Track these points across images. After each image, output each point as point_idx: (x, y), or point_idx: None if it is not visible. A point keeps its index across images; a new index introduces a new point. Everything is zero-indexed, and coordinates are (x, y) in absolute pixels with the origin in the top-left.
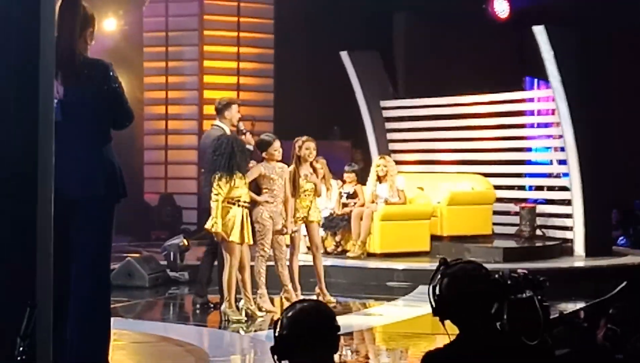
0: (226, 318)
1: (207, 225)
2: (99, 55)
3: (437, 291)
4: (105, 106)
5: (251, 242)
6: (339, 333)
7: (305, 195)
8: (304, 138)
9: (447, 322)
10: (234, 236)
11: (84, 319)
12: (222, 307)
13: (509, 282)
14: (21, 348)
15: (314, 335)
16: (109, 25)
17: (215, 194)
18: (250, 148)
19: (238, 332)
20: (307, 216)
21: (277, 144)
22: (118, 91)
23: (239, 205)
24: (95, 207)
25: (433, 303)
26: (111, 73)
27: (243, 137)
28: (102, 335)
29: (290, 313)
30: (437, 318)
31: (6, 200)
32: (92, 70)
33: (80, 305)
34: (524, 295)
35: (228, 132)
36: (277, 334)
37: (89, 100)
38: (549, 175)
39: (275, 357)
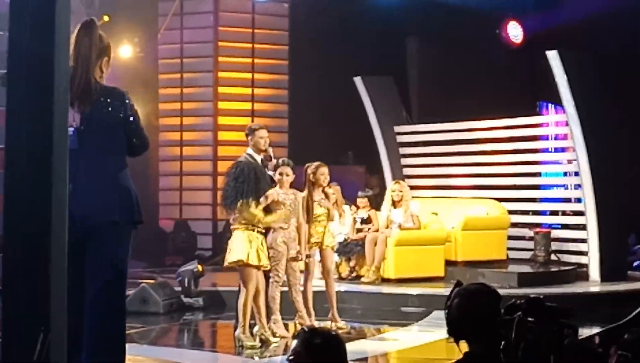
0: (240, 344)
1: (243, 257)
2: (115, 82)
3: (450, 312)
4: (121, 133)
5: (268, 267)
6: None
7: (319, 221)
8: (316, 163)
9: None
10: (252, 260)
11: (97, 346)
12: (237, 333)
13: (514, 304)
14: None
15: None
16: (124, 52)
17: (244, 223)
18: (272, 174)
19: (252, 357)
20: (321, 242)
21: (287, 169)
22: (134, 119)
23: (258, 231)
24: (110, 233)
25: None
26: (127, 101)
27: (270, 163)
28: (116, 362)
29: (300, 339)
30: (452, 338)
31: (21, 226)
32: (108, 98)
33: (94, 331)
34: (514, 317)
35: (258, 158)
36: (289, 359)
37: (104, 128)
38: (564, 200)
39: None
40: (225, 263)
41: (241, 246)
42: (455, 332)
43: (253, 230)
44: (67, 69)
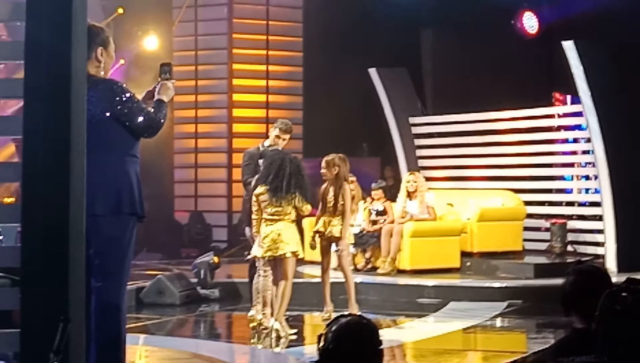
0: (267, 332)
1: (299, 249)
2: (128, 74)
3: (565, 287)
4: (113, 124)
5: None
6: (382, 347)
7: (330, 212)
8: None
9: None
10: (300, 251)
11: (96, 340)
12: (271, 322)
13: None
14: None
15: (358, 349)
16: (139, 44)
17: (294, 215)
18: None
19: (271, 347)
20: (331, 233)
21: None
22: (125, 104)
23: (292, 221)
24: (106, 225)
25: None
26: (115, 88)
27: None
28: (112, 355)
29: (334, 328)
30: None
31: (38, 216)
32: (95, 90)
33: (92, 327)
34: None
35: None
36: (320, 348)
37: (92, 122)
38: (580, 191)
39: None
40: (280, 252)
41: (295, 238)
42: (567, 306)
43: (293, 222)
44: (84, 62)
